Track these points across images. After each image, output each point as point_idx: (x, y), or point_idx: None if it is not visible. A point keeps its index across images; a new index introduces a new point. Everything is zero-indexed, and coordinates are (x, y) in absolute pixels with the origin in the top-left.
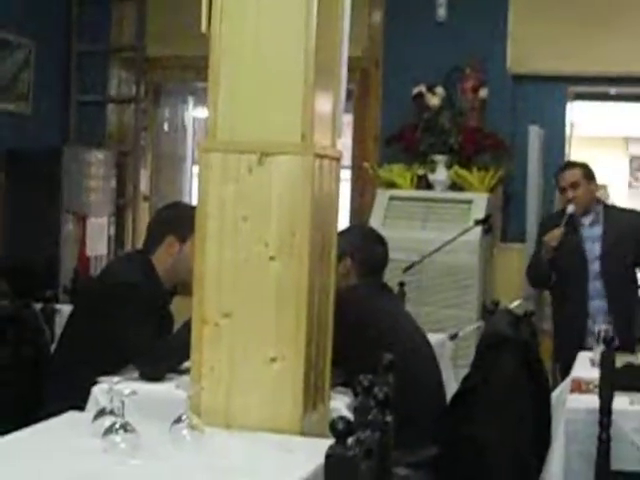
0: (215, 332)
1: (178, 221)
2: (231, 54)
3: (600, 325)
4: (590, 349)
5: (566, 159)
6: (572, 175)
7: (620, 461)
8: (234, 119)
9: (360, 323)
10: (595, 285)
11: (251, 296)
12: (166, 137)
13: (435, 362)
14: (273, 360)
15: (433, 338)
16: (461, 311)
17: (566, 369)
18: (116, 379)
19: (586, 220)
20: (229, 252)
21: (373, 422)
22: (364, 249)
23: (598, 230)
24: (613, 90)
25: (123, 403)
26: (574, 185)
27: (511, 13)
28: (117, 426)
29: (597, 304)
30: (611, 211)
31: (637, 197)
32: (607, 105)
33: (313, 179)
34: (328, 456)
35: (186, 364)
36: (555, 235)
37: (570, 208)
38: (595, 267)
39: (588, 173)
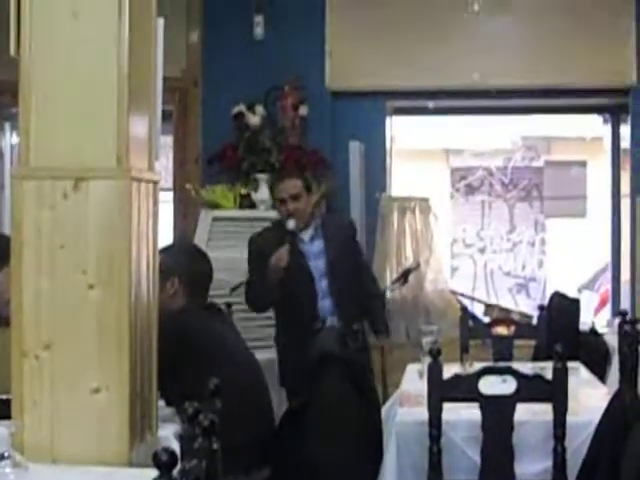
0: (36, 365)
1: None
2: (42, 78)
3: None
4: None
5: (387, 173)
6: (293, 186)
7: (452, 472)
8: (47, 144)
9: (188, 347)
10: (325, 304)
11: (71, 326)
12: None
13: (264, 383)
14: (96, 391)
15: (263, 356)
16: None
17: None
18: None
19: (306, 235)
20: (47, 281)
21: (199, 450)
22: (191, 267)
23: (319, 245)
24: (431, 104)
25: None
26: (296, 197)
27: (328, 30)
28: None
29: (329, 322)
30: (327, 224)
31: (458, 207)
32: (427, 119)
33: (130, 203)
34: None
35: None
36: (282, 255)
37: (291, 223)
38: (322, 285)
39: (308, 184)
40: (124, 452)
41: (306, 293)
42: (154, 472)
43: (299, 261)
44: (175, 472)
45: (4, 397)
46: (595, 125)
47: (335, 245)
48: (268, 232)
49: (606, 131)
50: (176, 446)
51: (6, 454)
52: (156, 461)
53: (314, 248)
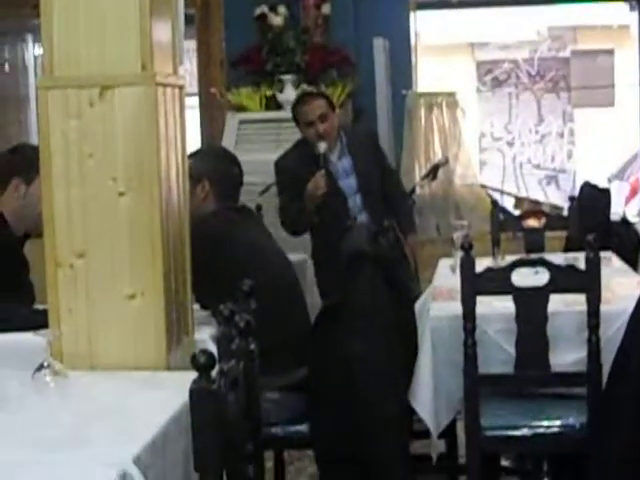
0: (70, 274)
1: (23, 163)
2: None
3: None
4: None
5: (413, 69)
6: (319, 106)
7: (487, 364)
8: (70, 53)
9: (221, 249)
10: (361, 218)
11: (103, 234)
12: (7, 77)
13: (298, 284)
14: (132, 297)
15: (294, 258)
16: None
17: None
18: None
19: (333, 155)
20: (77, 191)
21: (236, 351)
22: (220, 170)
23: (347, 162)
24: None
25: None
26: (323, 117)
27: None
28: None
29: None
30: (351, 138)
31: (485, 101)
32: (451, 13)
33: (157, 109)
34: (192, 391)
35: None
36: (319, 182)
37: (322, 146)
38: (356, 201)
39: (332, 102)
40: (162, 356)
41: (341, 212)
42: (193, 374)
43: (331, 181)
44: (214, 373)
45: (41, 307)
46: (622, 13)
47: (362, 159)
48: (293, 154)
49: (633, 18)
50: (213, 348)
51: (46, 363)
52: (195, 363)
53: (343, 166)
